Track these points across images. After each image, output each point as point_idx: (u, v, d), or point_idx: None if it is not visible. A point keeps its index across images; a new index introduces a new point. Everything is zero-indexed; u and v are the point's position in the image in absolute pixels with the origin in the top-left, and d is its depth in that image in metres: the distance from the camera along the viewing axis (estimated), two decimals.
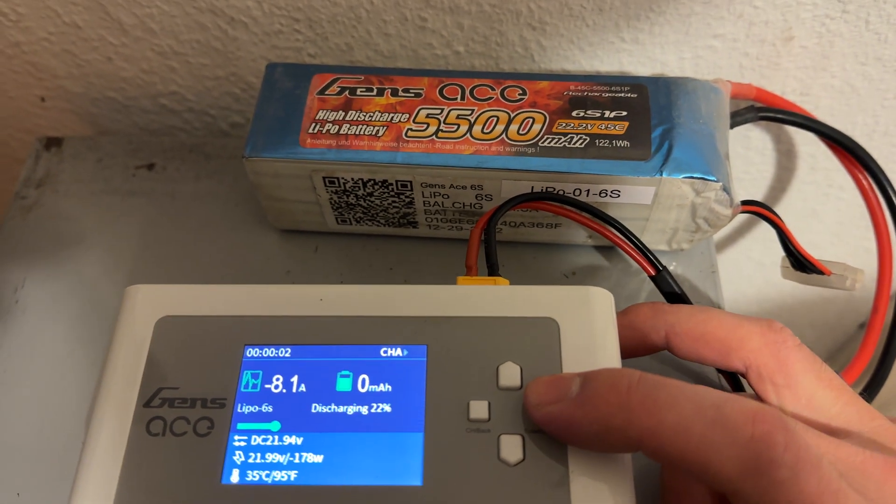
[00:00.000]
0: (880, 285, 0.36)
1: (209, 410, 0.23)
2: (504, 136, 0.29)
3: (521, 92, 0.30)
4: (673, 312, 0.26)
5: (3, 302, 0.34)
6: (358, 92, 0.31)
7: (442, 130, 0.30)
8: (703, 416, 0.19)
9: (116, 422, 0.23)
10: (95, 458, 0.22)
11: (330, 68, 0.32)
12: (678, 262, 0.34)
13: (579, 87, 0.30)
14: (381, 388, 0.23)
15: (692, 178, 0.29)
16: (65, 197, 0.37)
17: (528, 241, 0.34)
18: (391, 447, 0.22)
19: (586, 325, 0.24)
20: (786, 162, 0.43)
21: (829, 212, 0.47)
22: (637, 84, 0.31)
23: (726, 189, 0.29)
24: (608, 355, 0.23)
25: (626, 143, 0.29)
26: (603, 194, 0.30)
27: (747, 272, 0.54)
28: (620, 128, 0.29)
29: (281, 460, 0.22)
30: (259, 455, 0.22)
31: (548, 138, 0.29)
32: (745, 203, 0.31)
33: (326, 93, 0.31)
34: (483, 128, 0.30)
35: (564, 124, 0.30)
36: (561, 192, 0.29)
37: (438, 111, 0.30)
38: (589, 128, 0.29)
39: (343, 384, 0.23)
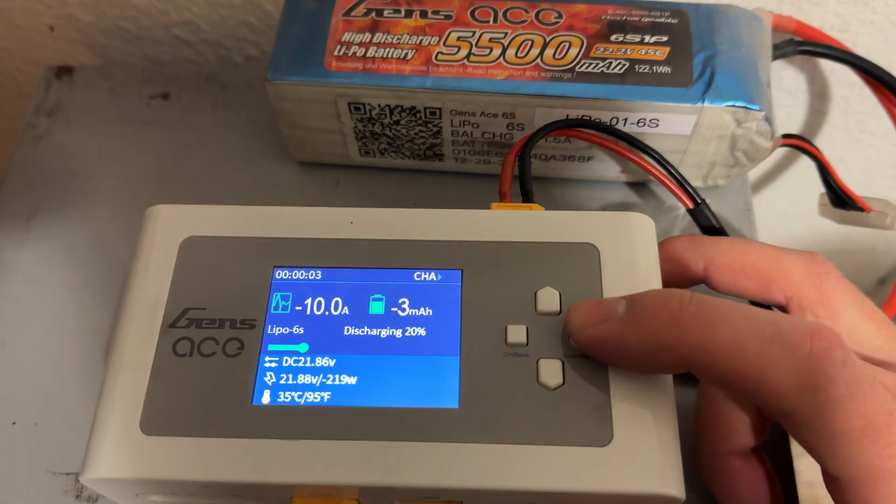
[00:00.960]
0: None
1: (239, 331, 0.22)
2: (539, 60, 0.28)
3: (556, 15, 0.29)
4: (712, 244, 0.25)
5: (16, 232, 0.33)
6: (385, 13, 0.29)
7: (474, 54, 0.28)
8: (759, 333, 0.18)
9: (141, 342, 0.22)
10: (120, 380, 0.21)
11: None
12: (711, 200, 0.33)
13: (617, 12, 0.29)
14: (416, 311, 0.22)
15: (735, 106, 0.27)
16: (77, 126, 0.36)
17: (558, 177, 0.33)
18: (426, 370, 0.21)
19: (628, 252, 0.23)
20: (818, 104, 0.42)
21: (857, 159, 0.46)
22: (677, 10, 0.29)
23: (768, 119, 0.28)
24: (651, 283, 0.22)
25: (667, 69, 0.28)
26: (641, 124, 0.29)
27: (769, 222, 0.53)
28: (661, 53, 0.28)
29: (314, 382, 0.21)
30: (291, 376, 0.21)
31: (585, 63, 0.28)
32: (785, 136, 0.30)
33: (352, 14, 0.29)
34: (517, 52, 0.28)
35: (603, 48, 0.28)
36: (598, 120, 0.28)
37: (470, 34, 0.29)
38: (629, 52, 0.28)
39: (376, 307, 0.22)
